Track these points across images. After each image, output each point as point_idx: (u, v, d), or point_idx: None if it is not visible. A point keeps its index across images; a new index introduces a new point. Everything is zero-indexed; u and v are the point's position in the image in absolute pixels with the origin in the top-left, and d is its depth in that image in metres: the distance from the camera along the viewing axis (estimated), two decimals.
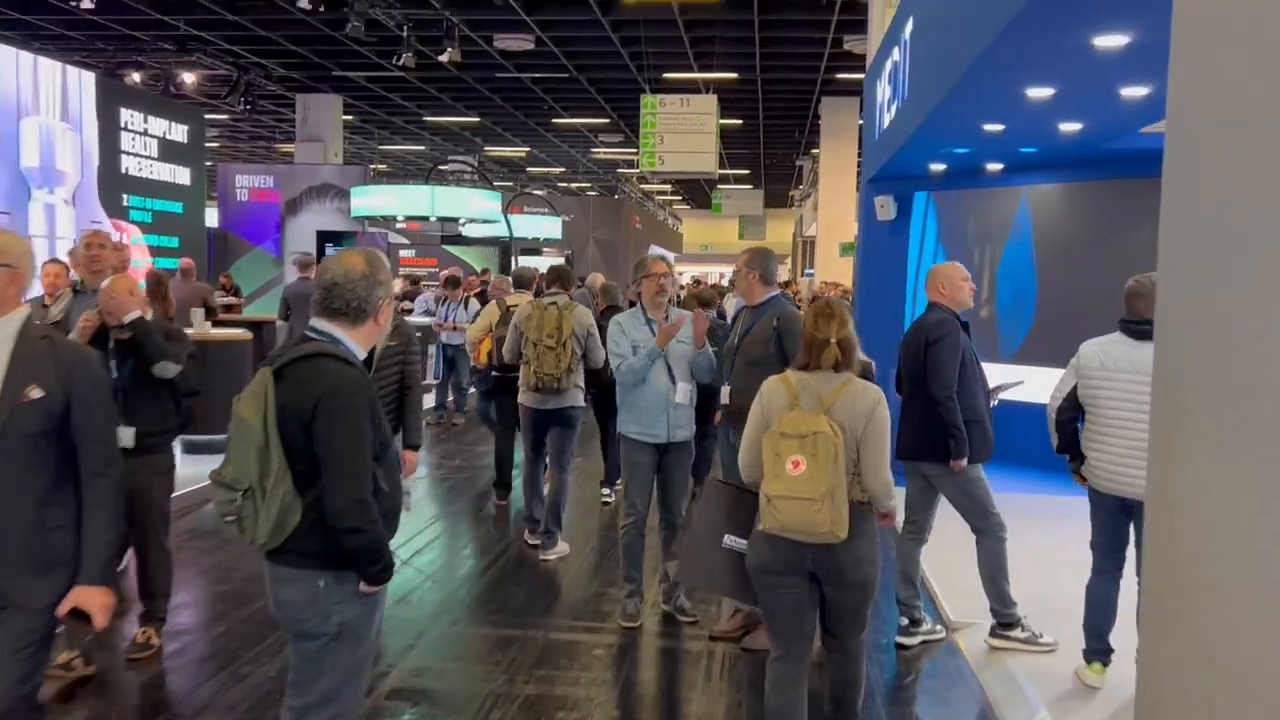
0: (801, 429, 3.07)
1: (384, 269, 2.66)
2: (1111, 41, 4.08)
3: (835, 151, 19.21)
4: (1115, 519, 3.93)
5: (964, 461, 4.23)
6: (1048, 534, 5.99)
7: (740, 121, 22.46)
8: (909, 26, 6.47)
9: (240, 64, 16.65)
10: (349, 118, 22.66)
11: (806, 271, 31.05)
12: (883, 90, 8.15)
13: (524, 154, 28.75)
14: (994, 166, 8.02)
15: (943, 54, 5.28)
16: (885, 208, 8.98)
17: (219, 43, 15.87)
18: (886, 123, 7.83)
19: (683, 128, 14.20)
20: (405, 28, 12.14)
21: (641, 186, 32.72)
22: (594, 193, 34.32)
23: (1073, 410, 3.99)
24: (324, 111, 19.73)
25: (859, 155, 19.70)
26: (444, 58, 11.92)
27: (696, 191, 40.12)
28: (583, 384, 6.13)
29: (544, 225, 20.94)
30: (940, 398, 4.19)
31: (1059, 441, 4.03)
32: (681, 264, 44.76)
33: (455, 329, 10.20)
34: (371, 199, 15.55)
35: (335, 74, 18.06)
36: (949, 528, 4.71)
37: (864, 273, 9.44)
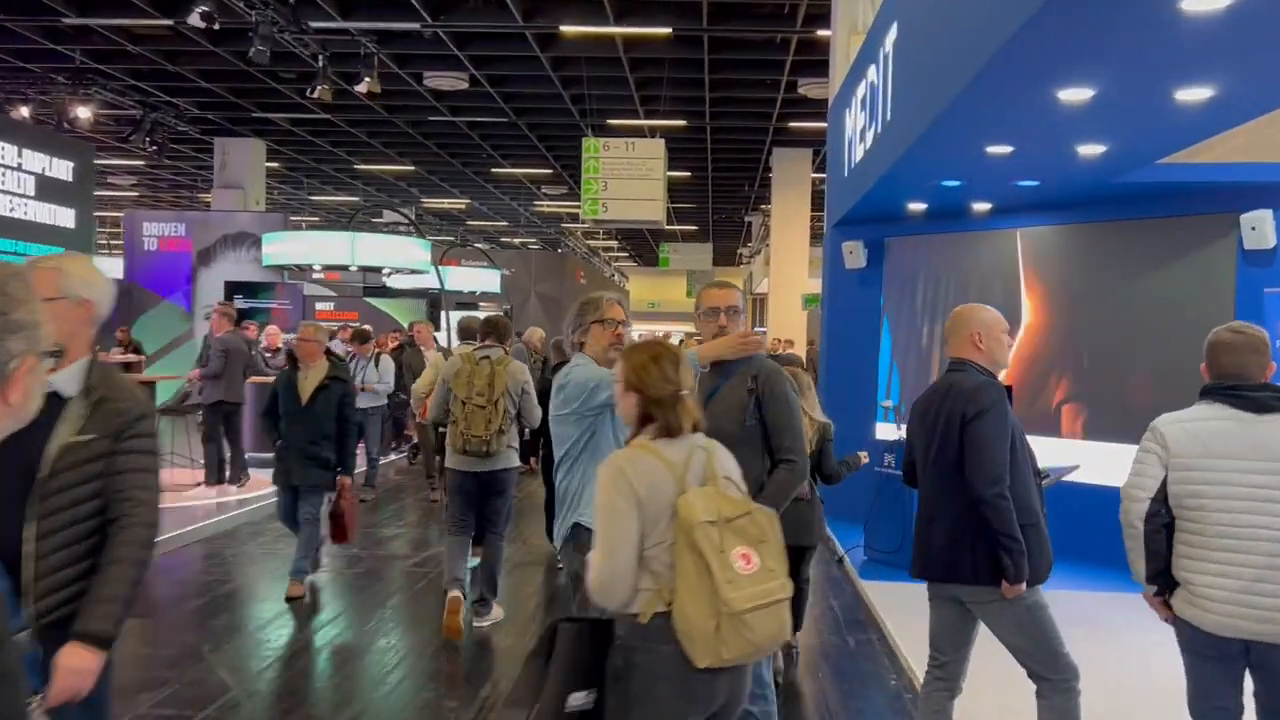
0: (729, 511, 2.37)
1: (23, 303, 1.35)
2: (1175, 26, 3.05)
3: (787, 204, 18.38)
4: (1229, 670, 2.78)
5: (1022, 586, 3.05)
6: (1109, 658, 4.35)
7: (688, 174, 21.62)
8: (891, 36, 5.47)
9: (147, 102, 15.35)
10: (274, 164, 21.39)
11: (758, 329, 30.24)
12: (853, 120, 7.16)
13: (464, 205, 27.63)
14: (980, 207, 7.02)
15: (944, 59, 4.26)
16: (854, 254, 7.96)
17: (121, 77, 14.57)
18: (859, 156, 6.83)
19: (628, 173, 13.18)
20: (320, 58, 10.98)
21: (588, 242, 31.68)
22: (536, 246, 33.19)
23: (1169, 515, 2.84)
24: (244, 156, 18.42)
25: (812, 209, 18.94)
26: (361, 88, 10.77)
27: (643, 247, 39.28)
28: (517, 444, 5.72)
29: (482, 278, 19.67)
30: (987, 495, 3.01)
31: (1154, 565, 2.86)
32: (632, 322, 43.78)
33: (363, 390, 8.90)
34: (285, 246, 14.22)
35: (255, 115, 16.84)
36: (988, 667, 3.50)
37: (830, 326, 8.38)
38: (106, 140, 18.57)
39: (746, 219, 27.96)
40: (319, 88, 11.09)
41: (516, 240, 34.19)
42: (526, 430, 5.92)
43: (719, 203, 26.14)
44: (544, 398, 5.22)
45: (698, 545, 2.29)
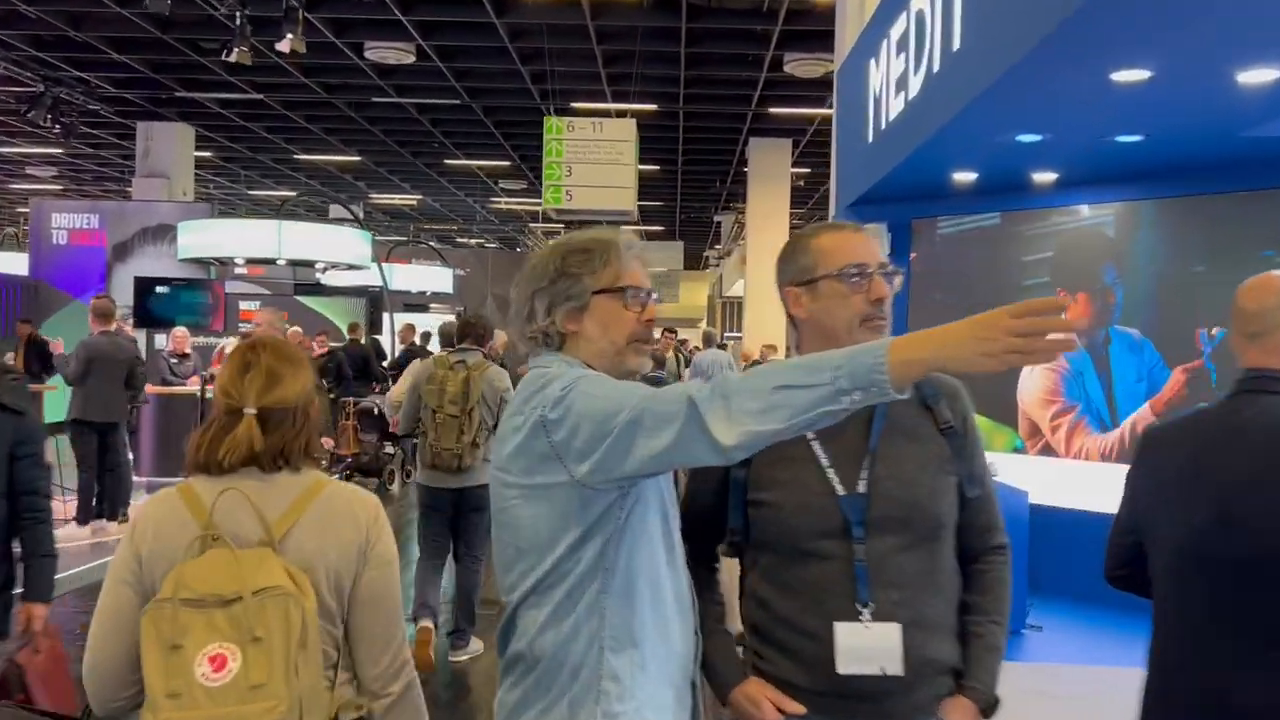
0: (224, 587, 1.67)
1: None
2: None
3: (765, 198, 17.01)
4: None
5: None
6: None
7: (657, 167, 20.19)
8: None
9: (51, 76, 13.60)
10: (206, 154, 19.66)
11: (730, 334, 28.88)
12: (884, 70, 5.74)
13: (415, 202, 25.97)
14: (1044, 177, 5.62)
15: None
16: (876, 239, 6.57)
17: (20, 46, 12.82)
18: (896, 113, 5.41)
19: (595, 157, 11.70)
20: (239, 15, 9.41)
21: (550, 243, 30.13)
22: (493, 245, 31.45)
23: None
24: (169, 141, 16.67)
25: (792, 205, 17.62)
26: (283, 46, 9.21)
27: None
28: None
29: (432, 277, 17.97)
30: None
31: None
32: None
33: None
34: (202, 236, 12.47)
35: (179, 95, 15.13)
36: None
37: None
38: (16, 124, 16.76)
39: (715, 219, 26.62)
40: (236, 50, 9.52)
41: (471, 241, 32.51)
42: None
43: (688, 200, 24.76)
44: None
45: (153, 629, 1.67)
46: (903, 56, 5.23)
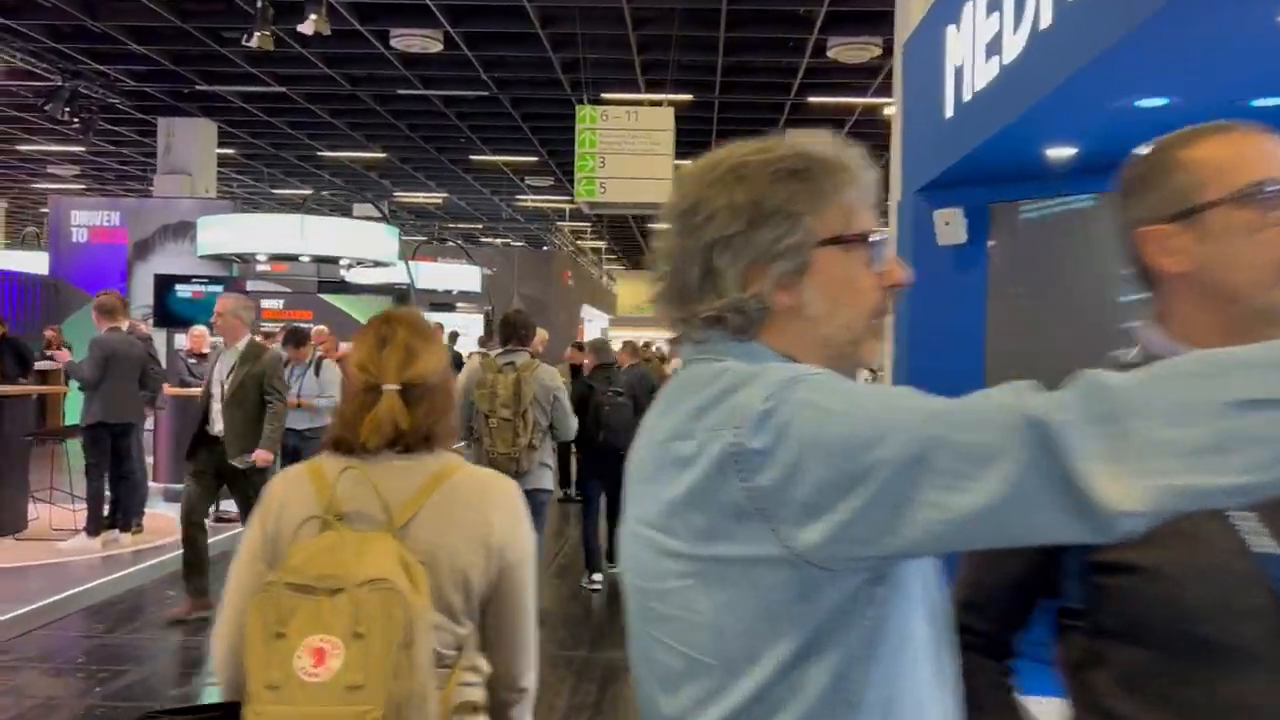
0: (333, 574, 1.53)
1: None
2: None
3: None
4: None
5: None
6: None
7: (687, 163, 19.64)
8: None
9: (69, 68, 13.24)
10: (229, 151, 19.32)
11: None
12: (968, 36, 5.19)
13: (440, 200, 25.57)
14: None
15: None
16: (953, 225, 5.93)
17: (38, 37, 12.46)
18: (984, 83, 4.86)
19: (630, 148, 11.17)
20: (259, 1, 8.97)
21: (578, 242, 29.56)
22: (520, 244, 30.96)
23: None
24: (191, 137, 16.30)
25: None
26: (305, 28, 8.76)
27: (631, 246, 37.35)
28: (552, 463, 5.37)
29: (459, 276, 17.49)
30: None
31: None
32: (619, 328, 41.82)
33: (300, 405, 6.87)
34: (223, 232, 12.07)
35: (201, 89, 14.75)
36: None
37: (912, 325, 6.41)
38: (36, 121, 16.45)
39: None
40: (257, 35, 9.07)
41: (498, 240, 32.09)
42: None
43: None
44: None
45: (260, 616, 1.52)
46: (995, 16, 4.65)
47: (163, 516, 7.72)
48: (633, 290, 42.01)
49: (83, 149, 19.28)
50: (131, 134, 18.06)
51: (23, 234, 23.77)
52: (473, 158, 19.58)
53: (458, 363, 12.34)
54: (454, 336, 13.81)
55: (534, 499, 4.89)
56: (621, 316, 39.80)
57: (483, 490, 1.77)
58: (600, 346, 7.35)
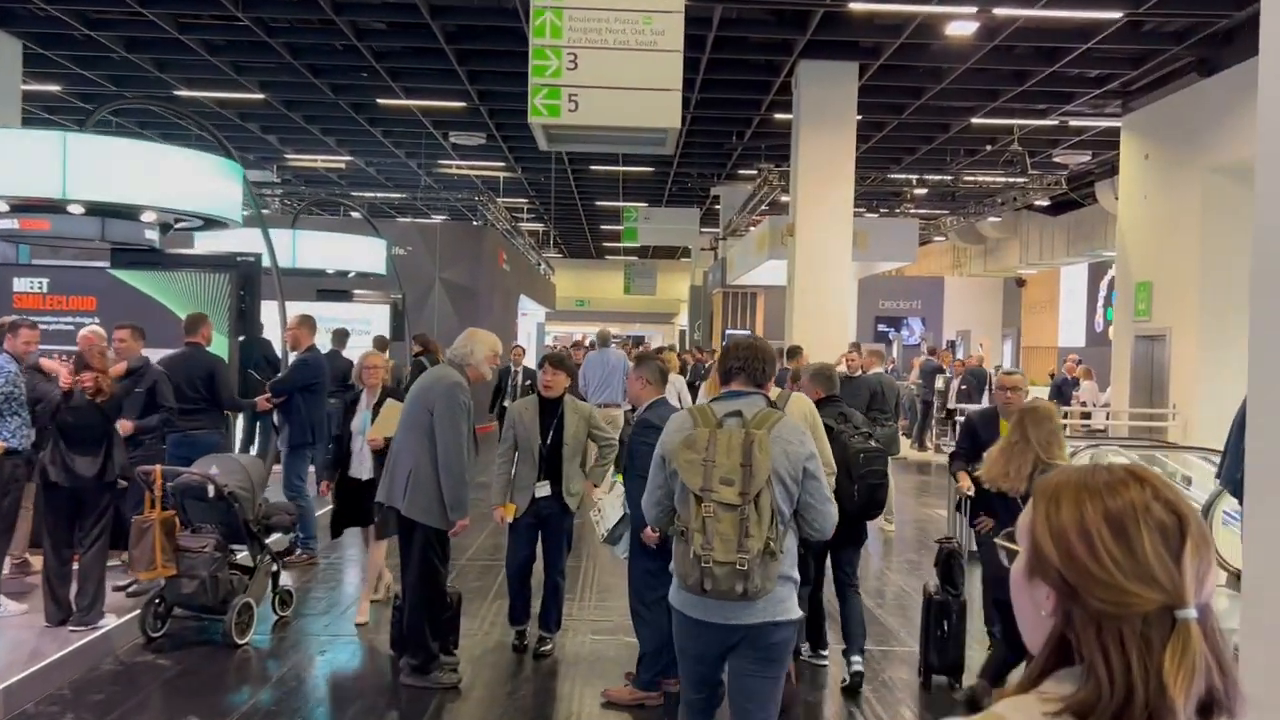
0: None
1: None
2: None
3: (820, 147, 12.38)
4: None
5: None
6: None
7: None
8: None
9: None
10: (52, 88, 14.56)
11: (739, 332, 24.20)
12: None
13: (343, 165, 20.87)
14: None
15: None
16: None
17: None
18: None
19: (618, 37, 6.97)
20: None
21: (516, 224, 24.77)
22: (443, 216, 26.04)
23: None
24: None
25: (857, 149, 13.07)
26: None
27: (572, 229, 32.87)
28: (794, 574, 4.00)
29: (356, 253, 12.82)
30: None
31: None
32: (555, 323, 37.30)
33: None
34: None
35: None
36: None
37: None
38: None
39: (714, 191, 21.94)
40: None
41: (417, 220, 27.28)
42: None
43: (685, 166, 20.05)
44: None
45: None
46: None
47: None
48: (569, 279, 37.57)
49: None
50: None
51: None
52: (381, 101, 15.07)
53: (344, 377, 8.12)
54: (342, 335, 9.39)
55: (765, 638, 3.14)
56: (558, 310, 35.40)
57: None
58: (821, 374, 5.33)
